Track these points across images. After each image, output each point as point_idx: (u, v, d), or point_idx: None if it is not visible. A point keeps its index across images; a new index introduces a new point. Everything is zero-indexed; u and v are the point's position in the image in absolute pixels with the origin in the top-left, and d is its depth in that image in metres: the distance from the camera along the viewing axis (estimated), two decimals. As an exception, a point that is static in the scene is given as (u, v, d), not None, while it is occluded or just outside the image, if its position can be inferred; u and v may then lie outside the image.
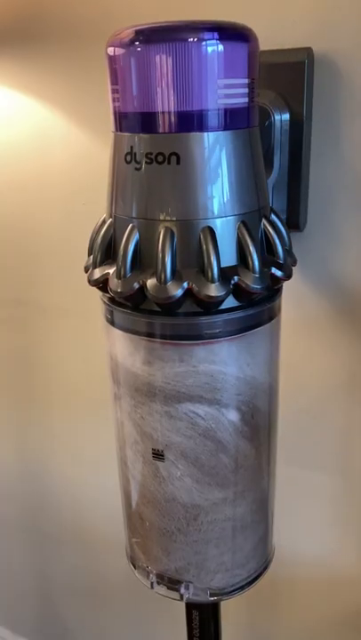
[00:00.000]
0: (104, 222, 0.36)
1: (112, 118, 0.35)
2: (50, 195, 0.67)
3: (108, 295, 0.37)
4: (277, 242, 0.35)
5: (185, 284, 0.32)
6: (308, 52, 0.47)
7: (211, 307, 0.33)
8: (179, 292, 0.32)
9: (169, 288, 0.32)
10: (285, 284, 0.55)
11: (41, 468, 0.88)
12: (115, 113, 0.34)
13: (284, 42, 0.48)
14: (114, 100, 0.34)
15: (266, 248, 0.35)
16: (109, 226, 0.35)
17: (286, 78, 0.48)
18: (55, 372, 0.78)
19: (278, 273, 0.34)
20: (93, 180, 0.63)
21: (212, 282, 0.32)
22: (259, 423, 0.38)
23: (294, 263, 0.37)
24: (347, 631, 0.70)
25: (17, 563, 1.01)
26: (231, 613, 0.77)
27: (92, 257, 0.37)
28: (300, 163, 0.49)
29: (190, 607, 0.49)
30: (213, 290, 0.32)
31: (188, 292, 0.32)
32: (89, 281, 0.36)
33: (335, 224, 0.52)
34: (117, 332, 0.37)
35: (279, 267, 0.35)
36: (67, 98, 0.62)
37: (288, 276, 0.35)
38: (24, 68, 0.64)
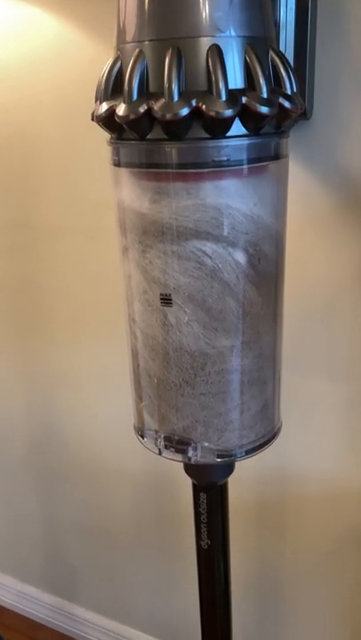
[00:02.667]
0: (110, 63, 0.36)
1: None
2: (58, 110, 0.67)
3: (114, 135, 0.37)
4: (285, 75, 0.35)
5: (193, 102, 0.32)
6: None
7: (218, 127, 0.33)
8: (186, 110, 0.32)
9: (176, 105, 0.32)
10: (291, 178, 0.55)
11: (46, 403, 0.88)
12: None
13: None
14: None
15: (273, 81, 0.35)
16: (116, 59, 0.35)
17: None
18: (61, 296, 0.78)
19: (287, 104, 0.34)
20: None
21: (220, 98, 0.32)
22: (265, 271, 0.38)
23: (302, 107, 0.37)
24: (358, 548, 0.69)
25: (24, 505, 1.01)
26: (240, 538, 0.77)
27: (98, 100, 0.37)
28: (305, 44, 0.49)
29: (198, 490, 0.49)
30: (221, 106, 0.32)
31: (196, 112, 0.32)
32: (95, 117, 0.36)
33: (343, 112, 0.52)
34: (125, 175, 0.37)
35: (287, 98, 0.34)
36: (79, 10, 0.62)
37: (296, 108, 0.35)
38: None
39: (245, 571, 0.79)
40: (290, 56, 0.49)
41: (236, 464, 0.64)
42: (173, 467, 0.78)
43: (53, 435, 0.90)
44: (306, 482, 0.69)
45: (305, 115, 0.51)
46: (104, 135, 0.38)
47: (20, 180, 0.74)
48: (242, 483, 0.73)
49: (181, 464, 0.49)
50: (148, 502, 0.85)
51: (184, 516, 0.82)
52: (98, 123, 0.36)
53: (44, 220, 0.74)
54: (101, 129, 0.37)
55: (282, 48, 0.49)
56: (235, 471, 0.67)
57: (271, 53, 0.35)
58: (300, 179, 0.55)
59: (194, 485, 0.49)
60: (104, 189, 0.68)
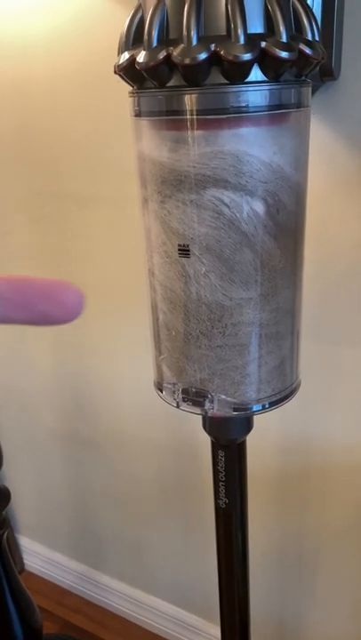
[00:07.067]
0: (132, 13, 0.36)
1: None
2: (87, 78, 0.68)
3: (135, 86, 0.37)
4: (306, 21, 0.35)
5: (211, 46, 0.32)
6: None
7: (237, 72, 0.33)
8: (204, 54, 0.32)
9: (195, 49, 0.32)
10: (318, 139, 0.54)
11: (75, 372, 0.90)
12: None
13: None
14: None
15: (295, 27, 0.35)
16: (137, 9, 0.36)
17: None
18: (91, 265, 0.79)
19: (307, 50, 0.34)
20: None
21: (239, 42, 0.32)
22: (284, 222, 0.38)
23: (324, 55, 0.37)
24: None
25: (53, 474, 1.04)
26: (261, 508, 0.78)
27: (120, 51, 0.37)
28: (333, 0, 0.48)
29: (217, 448, 0.50)
30: (240, 49, 0.32)
31: (215, 57, 0.32)
32: (117, 68, 0.36)
33: (372, 71, 0.51)
34: (145, 126, 0.38)
35: (308, 44, 0.34)
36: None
37: (317, 55, 0.35)
38: None
39: (266, 541, 0.80)
40: (317, 13, 0.49)
41: (259, 433, 0.64)
42: (197, 434, 0.79)
43: (82, 403, 0.92)
44: (329, 452, 0.69)
45: (332, 74, 0.51)
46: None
47: (51, 149, 0.75)
48: (264, 452, 0.73)
49: (203, 428, 0.49)
50: (173, 470, 0.87)
51: (207, 484, 0.83)
52: (119, 73, 0.37)
53: (74, 190, 0.76)
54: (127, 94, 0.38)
55: (309, 3, 0.48)
56: (257, 440, 0.67)
57: (293, 0, 0.35)
58: (326, 140, 0.54)
59: (212, 443, 0.50)
60: (133, 159, 0.69)
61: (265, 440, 0.72)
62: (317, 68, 0.37)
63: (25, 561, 1.19)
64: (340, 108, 0.53)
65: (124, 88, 0.39)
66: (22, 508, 1.15)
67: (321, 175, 0.56)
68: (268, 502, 0.77)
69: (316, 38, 0.36)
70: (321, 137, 0.54)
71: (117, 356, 0.83)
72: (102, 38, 0.65)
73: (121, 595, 1.06)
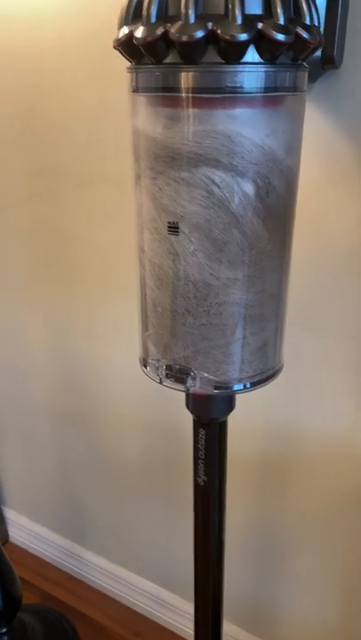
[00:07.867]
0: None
1: None
2: (90, 55, 0.68)
3: (134, 62, 0.38)
4: (305, 5, 0.35)
5: (208, 25, 0.32)
6: None
7: (233, 52, 0.33)
8: (201, 32, 0.32)
9: (192, 27, 0.32)
10: (317, 129, 0.54)
11: (67, 351, 0.90)
12: None
13: None
14: None
15: (293, 11, 0.35)
16: (139, -17, 0.36)
17: None
18: (87, 245, 0.80)
19: (304, 34, 0.34)
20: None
21: (235, 21, 0.32)
22: (274, 205, 0.39)
23: (321, 40, 0.37)
24: (359, 509, 0.70)
25: (40, 449, 1.05)
26: (241, 496, 0.79)
27: (119, 26, 0.37)
28: (339, -13, 0.48)
29: (198, 426, 0.51)
30: (236, 29, 0.32)
31: (211, 36, 0.33)
32: (116, 42, 0.37)
33: (374, 61, 0.51)
34: (142, 102, 0.38)
35: (305, 28, 0.35)
36: None
37: (314, 39, 0.35)
38: None
39: (245, 523, 0.81)
40: (321, 0, 0.49)
41: (244, 417, 0.64)
42: (182, 414, 0.80)
43: (72, 382, 0.93)
44: (312, 439, 0.70)
45: (333, 63, 0.51)
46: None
47: (50, 125, 0.75)
48: (248, 436, 0.74)
49: (186, 407, 0.50)
50: (158, 450, 0.88)
51: (191, 464, 0.84)
52: (118, 47, 0.37)
53: (73, 168, 0.76)
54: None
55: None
56: (241, 424, 0.68)
57: (293, -18, 0.35)
58: (325, 128, 0.54)
59: (194, 422, 0.51)
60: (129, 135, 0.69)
61: (249, 424, 0.73)
62: (314, 52, 0.38)
63: (10, 533, 1.21)
64: (341, 97, 0.53)
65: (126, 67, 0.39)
66: (10, 482, 1.17)
67: (318, 164, 0.56)
68: (249, 485, 0.78)
69: (315, 23, 0.37)
70: (320, 126, 0.54)
71: (109, 337, 0.84)
72: (106, 16, 0.64)
73: (102, 570, 1.08)
